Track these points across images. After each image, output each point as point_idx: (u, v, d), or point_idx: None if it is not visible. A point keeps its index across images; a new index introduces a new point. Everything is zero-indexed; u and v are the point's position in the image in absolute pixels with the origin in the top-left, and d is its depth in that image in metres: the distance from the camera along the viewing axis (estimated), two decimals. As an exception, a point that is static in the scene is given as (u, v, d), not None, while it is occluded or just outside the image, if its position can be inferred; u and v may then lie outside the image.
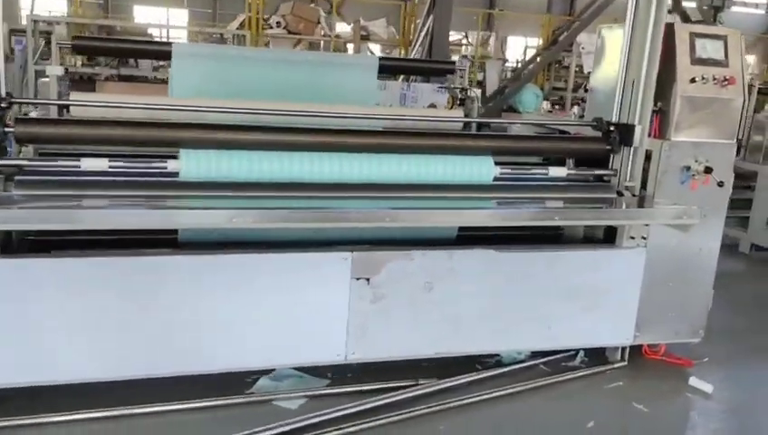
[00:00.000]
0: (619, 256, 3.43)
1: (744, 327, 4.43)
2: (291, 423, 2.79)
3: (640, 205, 3.30)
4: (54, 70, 4.30)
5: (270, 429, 2.75)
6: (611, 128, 3.46)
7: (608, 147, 3.45)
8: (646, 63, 3.33)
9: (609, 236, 3.48)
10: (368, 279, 3.07)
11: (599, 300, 3.42)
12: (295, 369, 3.23)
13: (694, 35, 3.36)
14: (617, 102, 3.47)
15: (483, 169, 3.27)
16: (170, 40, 12.26)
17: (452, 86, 4.96)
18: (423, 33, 9.75)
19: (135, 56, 5.70)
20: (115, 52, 4.43)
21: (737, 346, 4.04)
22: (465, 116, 4.25)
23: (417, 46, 9.74)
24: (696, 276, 3.57)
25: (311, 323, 3.06)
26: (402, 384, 3.17)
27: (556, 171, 3.42)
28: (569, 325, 3.41)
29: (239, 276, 2.93)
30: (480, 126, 4.35)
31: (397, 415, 2.93)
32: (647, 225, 3.39)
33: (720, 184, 3.37)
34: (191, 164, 2.90)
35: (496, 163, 3.34)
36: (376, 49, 11.34)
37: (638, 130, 3.37)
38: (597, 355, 3.59)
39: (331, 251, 3.03)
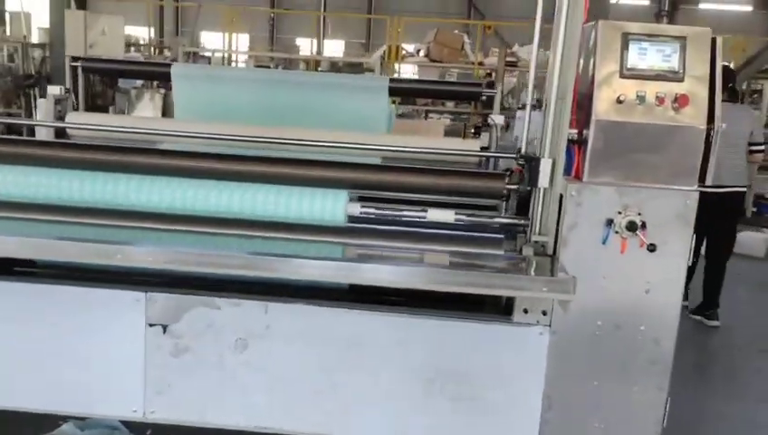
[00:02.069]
0: (510, 336, 2.52)
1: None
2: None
3: (520, 269, 2.40)
4: (53, 90, 4.38)
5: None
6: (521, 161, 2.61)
7: (510, 186, 2.60)
8: (556, 75, 2.45)
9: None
10: (164, 327, 2.59)
11: (480, 395, 2.55)
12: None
13: (628, 36, 2.38)
14: (525, 127, 2.61)
15: (327, 206, 2.62)
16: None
17: (469, 112, 4.21)
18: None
19: (138, 77, 5.75)
20: (118, 72, 4.45)
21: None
22: (484, 148, 3.58)
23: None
24: (639, 374, 2.51)
25: (104, 370, 2.65)
26: (206, 459, 2.62)
27: (438, 215, 2.64)
28: (434, 422, 2.58)
29: (27, 306, 2.63)
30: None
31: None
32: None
33: (651, 248, 2.34)
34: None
35: (366, 199, 2.69)
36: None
37: (544, 165, 2.47)
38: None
39: (123, 289, 2.60)
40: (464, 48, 10.10)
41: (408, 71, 11.58)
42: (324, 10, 17.24)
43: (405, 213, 2.67)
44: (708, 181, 2.41)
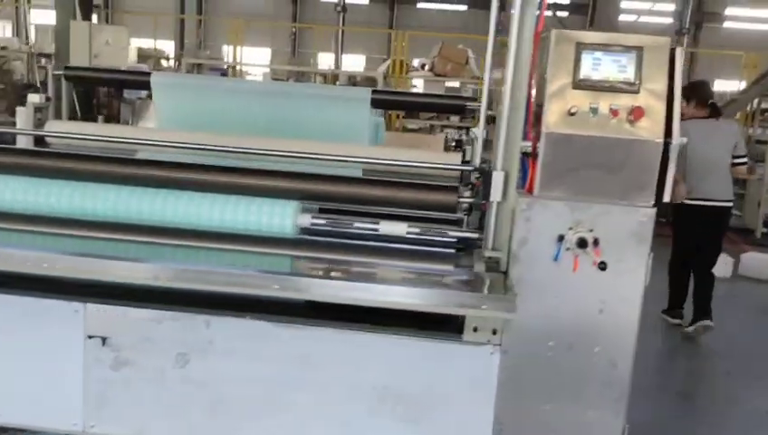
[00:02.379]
0: (460, 355, 2.42)
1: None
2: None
3: (466, 286, 2.30)
4: (33, 98, 4.36)
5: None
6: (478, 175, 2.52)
7: (465, 199, 2.51)
8: (508, 87, 2.35)
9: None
10: (103, 339, 2.51)
11: (430, 416, 2.44)
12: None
13: (581, 46, 2.29)
14: (480, 140, 2.52)
15: (275, 216, 2.54)
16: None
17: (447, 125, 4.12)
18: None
19: (123, 86, 5.73)
20: (102, 82, 4.42)
21: None
22: (464, 162, 3.49)
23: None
24: (595, 397, 2.39)
25: (43, 382, 2.58)
26: (142, 477, 2.53)
27: (390, 228, 2.55)
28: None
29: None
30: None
31: None
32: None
33: (602, 266, 2.23)
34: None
35: (324, 211, 2.61)
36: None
37: (496, 178, 2.38)
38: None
39: (61, 299, 2.53)
40: (468, 63, 10.02)
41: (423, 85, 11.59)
42: (343, 24, 17.34)
43: (357, 225, 2.58)
44: (666, 198, 2.30)
